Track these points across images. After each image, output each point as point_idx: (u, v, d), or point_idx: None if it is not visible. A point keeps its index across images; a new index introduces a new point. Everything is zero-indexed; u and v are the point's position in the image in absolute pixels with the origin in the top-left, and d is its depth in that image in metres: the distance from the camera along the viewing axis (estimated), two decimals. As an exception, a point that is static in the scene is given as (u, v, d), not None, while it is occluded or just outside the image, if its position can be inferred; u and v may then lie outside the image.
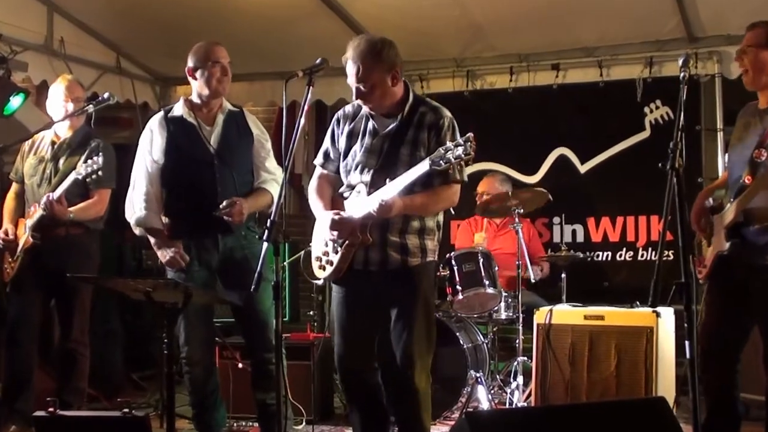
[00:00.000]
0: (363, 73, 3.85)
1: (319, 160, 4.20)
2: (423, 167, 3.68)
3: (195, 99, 4.66)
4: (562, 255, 6.08)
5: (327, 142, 4.17)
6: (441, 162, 3.61)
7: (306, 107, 3.81)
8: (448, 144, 3.61)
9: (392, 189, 3.74)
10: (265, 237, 3.56)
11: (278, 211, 3.66)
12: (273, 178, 4.70)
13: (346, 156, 4.05)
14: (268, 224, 3.58)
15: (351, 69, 3.89)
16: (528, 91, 6.97)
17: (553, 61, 6.85)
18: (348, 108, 4.16)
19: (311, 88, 3.81)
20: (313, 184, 4.19)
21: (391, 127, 3.96)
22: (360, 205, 3.87)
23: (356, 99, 3.96)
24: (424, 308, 3.97)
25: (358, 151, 3.99)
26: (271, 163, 4.73)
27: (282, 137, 3.77)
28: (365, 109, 4.03)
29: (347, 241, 3.89)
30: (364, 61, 3.85)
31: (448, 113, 4.00)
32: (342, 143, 4.08)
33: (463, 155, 3.56)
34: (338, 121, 4.14)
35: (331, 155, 4.14)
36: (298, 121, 3.78)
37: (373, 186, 3.86)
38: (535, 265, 6.26)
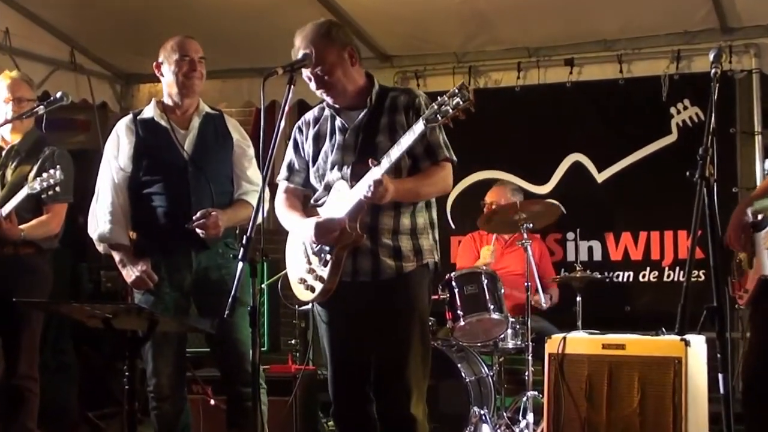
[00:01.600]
0: (317, 55, 3.89)
1: (282, 174, 4.23)
2: (416, 130, 3.64)
3: (167, 100, 4.68)
4: (577, 276, 6.09)
5: (290, 154, 4.21)
6: (437, 117, 3.56)
7: (287, 108, 3.81)
8: (441, 98, 3.60)
9: (382, 167, 3.71)
10: (240, 256, 3.55)
11: (255, 227, 3.65)
12: (255, 189, 4.70)
13: (315, 160, 4.07)
14: (244, 241, 3.58)
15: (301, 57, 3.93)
16: (538, 90, 7.00)
17: (566, 55, 6.88)
18: (308, 114, 4.21)
19: (293, 86, 3.81)
20: (280, 199, 4.20)
21: (361, 116, 3.99)
22: (344, 200, 3.88)
23: (317, 89, 3.99)
24: (419, 326, 3.98)
25: (329, 151, 4.02)
26: (255, 172, 4.74)
27: (260, 143, 3.77)
28: (328, 110, 4.07)
29: (338, 245, 3.89)
30: (314, 43, 3.91)
31: (420, 92, 4.07)
32: (309, 149, 4.11)
33: (462, 102, 3.51)
34: (300, 129, 4.20)
35: (296, 165, 4.18)
36: (278, 124, 3.77)
37: (356, 178, 3.86)
38: (545, 293, 6.27)
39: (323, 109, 4.14)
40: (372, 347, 3.99)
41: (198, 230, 4.45)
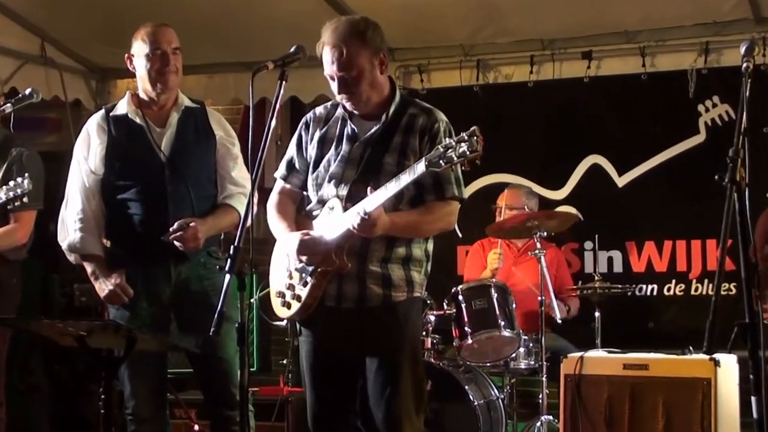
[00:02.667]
0: (347, 58, 3.87)
1: (281, 171, 4.20)
2: (417, 170, 3.66)
3: (142, 95, 4.66)
4: (596, 289, 6.08)
5: (292, 150, 4.18)
6: (441, 162, 3.57)
7: (278, 106, 3.81)
8: (448, 140, 3.60)
9: (376, 199, 3.73)
10: (227, 267, 3.55)
11: (243, 235, 3.65)
12: (241, 191, 4.69)
13: (317, 166, 4.05)
14: (231, 251, 3.57)
15: (329, 56, 3.90)
16: (553, 86, 7.01)
17: (584, 47, 6.88)
18: (319, 109, 4.17)
19: (284, 82, 3.81)
20: (273, 200, 4.20)
21: (373, 130, 3.96)
22: (334, 223, 3.87)
23: (339, 94, 3.95)
24: (411, 355, 3.98)
25: (332, 160, 4.00)
26: (240, 172, 4.72)
27: (248, 143, 3.77)
28: (340, 111, 4.05)
29: (320, 269, 3.89)
30: (347, 43, 3.87)
31: (443, 116, 4.02)
32: (312, 151, 4.08)
33: (468, 152, 3.53)
34: (307, 125, 4.15)
35: (297, 166, 4.15)
36: (268, 123, 3.77)
37: (352, 200, 3.85)
38: (562, 302, 6.27)
39: (336, 107, 4.10)
40: (357, 376, 4.00)
41: (176, 243, 4.43)
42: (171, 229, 4.42)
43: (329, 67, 3.91)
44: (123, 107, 4.66)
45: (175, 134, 4.62)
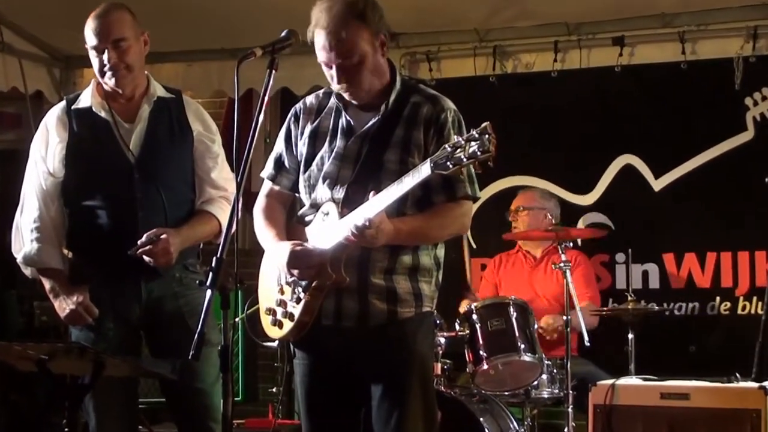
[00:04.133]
0: (346, 42, 3.84)
1: (268, 171, 4.18)
2: (422, 172, 3.64)
3: (106, 85, 4.62)
4: (629, 307, 6.07)
5: (280, 146, 4.15)
6: (448, 164, 3.54)
7: (267, 98, 3.81)
8: (456, 138, 3.57)
9: (378, 205, 3.71)
10: (207, 282, 3.54)
11: (227, 246, 3.64)
12: (223, 195, 4.68)
13: (309, 165, 4.02)
14: (213, 264, 3.57)
15: (325, 41, 3.87)
16: (580, 76, 7.02)
17: (615, 32, 6.89)
18: (310, 99, 4.15)
19: (274, 71, 3.81)
20: (260, 204, 4.17)
21: (371, 123, 3.94)
22: (330, 231, 3.86)
23: (338, 84, 3.94)
24: (420, 380, 3.96)
25: (326, 157, 3.98)
26: (221, 173, 4.70)
27: (233, 141, 3.77)
28: (333, 100, 4.04)
29: (314, 283, 3.88)
30: (345, 25, 3.85)
31: (451, 104, 3.99)
32: (303, 147, 4.07)
33: (479, 152, 3.50)
34: (296, 117, 4.13)
35: (287, 164, 4.13)
36: (255, 117, 3.77)
37: (349, 204, 3.83)
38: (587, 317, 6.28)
39: (329, 96, 4.08)
40: (360, 402, 3.98)
41: (145, 258, 4.40)
42: (139, 243, 4.39)
43: (324, 54, 3.87)
44: (87, 99, 4.61)
45: (145, 130, 4.58)
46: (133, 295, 4.55)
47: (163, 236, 4.40)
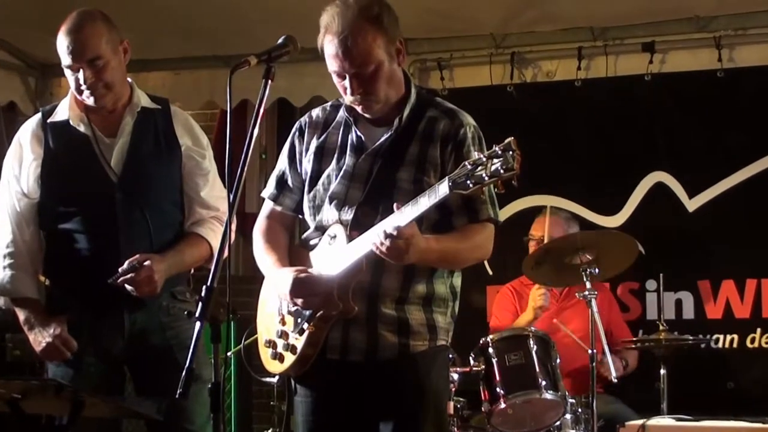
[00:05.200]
0: (361, 49, 3.82)
1: (269, 190, 4.18)
2: (439, 192, 3.61)
3: None
4: (661, 340, 6.07)
5: (283, 163, 4.16)
6: (468, 183, 3.53)
7: (262, 110, 3.82)
8: (477, 155, 3.56)
9: (409, 214, 3.65)
10: (197, 313, 3.54)
11: (218, 273, 3.64)
12: (215, 215, 4.69)
13: (314, 184, 4.03)
14: (203, 293, 3.56)
15: (338, 48, 3.85)
16: (606, 85, 7.03)
17: (645, 38, 6.91)
18: (316, 112, 4.15)
19: (271, 81, 3.82)
20: (260, 226, 4.17)
21: (383, 138, 3.94)
22: (337, 256, 3.86)
23: (352, 95, 3.92)
24: (434, 419, 3.97)
25: (333, 176, 3.99)
26: (212, 191, 4.71)
27: (225, 157, 3.77)
28: (342, 114, 4.04)
29: (319, 313, 3.88)
30: (360, 31, 3.83)
31: (470, 119, 3.99)
32: (308, 164, 4.07)
33: (502, 171, 3.48)
34: (301, 131, 4.13)
35: (290, 183, 4.13)
36: (250, 131, 3.77)
37: (358, 227, 3.84)
38: (617, 355, 6.25)
39: (337, 109, 4.09)
40: None
41: (127, 287, 4.40)
42: (120, 270, 4.39)
43: (337, 63, 3.85)
44: (64, 111, 4.61)
45: (128, 145, 4.59)
46: (115, 327, 4.55)
47: (146, 263, 4.40)
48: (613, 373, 5.95)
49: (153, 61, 7.09)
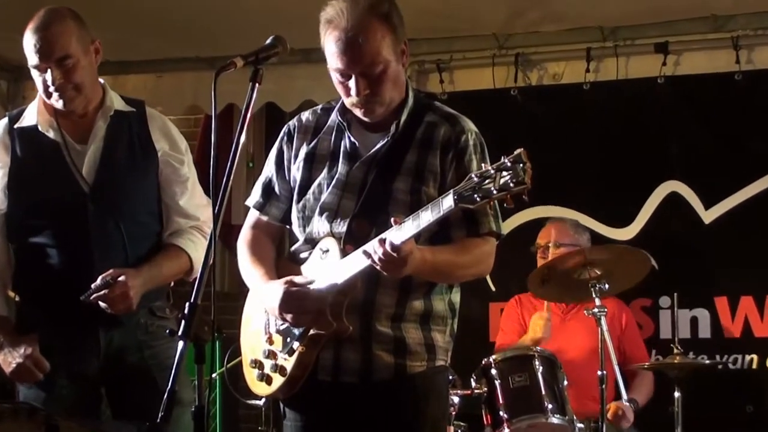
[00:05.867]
0: (370, 48, 3.78)
1: (254, 198, 4.17)
2: (443, 206, 3.58)
3: None
4: (675, 361, 6.06)
5: (270, 170, 4.15)
6: (475, 197, 3.49)
7: (249, 115, 3.81)
8: (485, 167, 3.54)
9: (407, 231, 3.60)
10: (179, 332, 3.53)
11: (202, 288, 3.63)
12: (195, 225, 4.69)
13: (303, 193, 4.02)
14: (186, 310, 3.55)
15: (344, 45, 3.82)
16: (616, 89, 7.05)
17: (658, 38, 6.93)
18: (306, 116, 4.14)
19: (258, 84, 3.81)
20: (245, 237, 4.16)
21: (379, 145, 3.93)
22: (330, 270, 3.84)
23: (358, 96, 3.88)
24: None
25: (324, 185, 3.98)
26: (192, 199, 4.70)
27: (210, 165, 3.76)
28: (335, 118, 4.02)
29: (310, 332, 3.87)
30: (370, 28, 3.80)
31: (471, 125, 3.99)
32: (297, 172, 4.06)
33: (512, 184, 3.46)
34: (290, 136, 4.12)
35: (277, 191, 4.13)
36: (236, 137, 3.76)
37: (353, 240, 3.82)
38: (632, 393, 6.26)
39: (328, 112, 4.07)
40: None
41: (100, 303, 4.38)
42: (93, 286, 4.38)
43: (342, 61, 3.82)
44: (32, 116, 4.60)
45: (101, 152, 4.57)
46: (90, 346, 4.54)
47: (120, 278, 4.38)
48: (625, 398, 5.97)
49: (132, 63, 7.10)
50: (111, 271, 4.39)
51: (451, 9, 6.84)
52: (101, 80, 4.66)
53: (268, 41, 3.83)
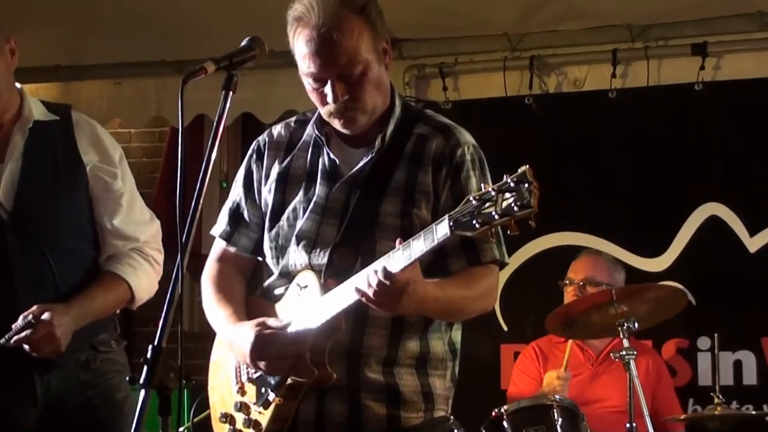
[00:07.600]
0: (347, 47, 3.75)
1: (220, 227, 4.16)
2: (438, 234, 3.53)
3: None
4: (716, 412, 6.08)
5: (237, 193, 4.14)
6: (474, 223, 3.43)
7: (222, 128, 3.82)
8: (485, 188, 3.52)
9: (404, 258, 3.53)
10: (142, 379, 3.53)
11: (167, 329, 3.63)
12: (135, 247, 4.64)
13: (276, 219, 4.01)
14: (149, 354, 3.56)
15: (318, 44, 3.81)
16: (647, 96, 7.08)
17: (695, 38, 6.96)
18: (278, 129, 4.13)
19: (232, 93, 3.82)
20: (210, 272, 4.15)
21: (363, 162, 3.92)
22: (309, 308, 3.83)
23: (335, 102, 3.86)
24: None
25: (300, 209, 3.97)
26: (130, 216, 4.66)
27: (177, 185, 3.78)
28: (310, 131, 4.00)
29: (288, 381, 3.87)
30: (346, 25, 3.79)
31: (468, 137, 3.97)
32: (268, 195, 4.05)
33: (516, 208, 3.41)
34: (259, 153, 4.11)
35: (246, 218, 4.11)
36: (207, 153, 3.78)
37: (335, 273, 3.80)
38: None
39: (303, 125, 4.07)
40: None
41: (24, 346, 4.34)
42: (13, 327, 4.34)
43: (315, 63, 3.79)
44: None
45: (20, 171, 4.53)
46: (24, 395, 4.52)
47: (44, 316, 4.34)
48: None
49: (87, 68, 7.11)
50: (34, 308, 4.35)
51: (456, 5, 6.86)
52: (18, 86, 4.59)
53: (244, 43, 3.83)
